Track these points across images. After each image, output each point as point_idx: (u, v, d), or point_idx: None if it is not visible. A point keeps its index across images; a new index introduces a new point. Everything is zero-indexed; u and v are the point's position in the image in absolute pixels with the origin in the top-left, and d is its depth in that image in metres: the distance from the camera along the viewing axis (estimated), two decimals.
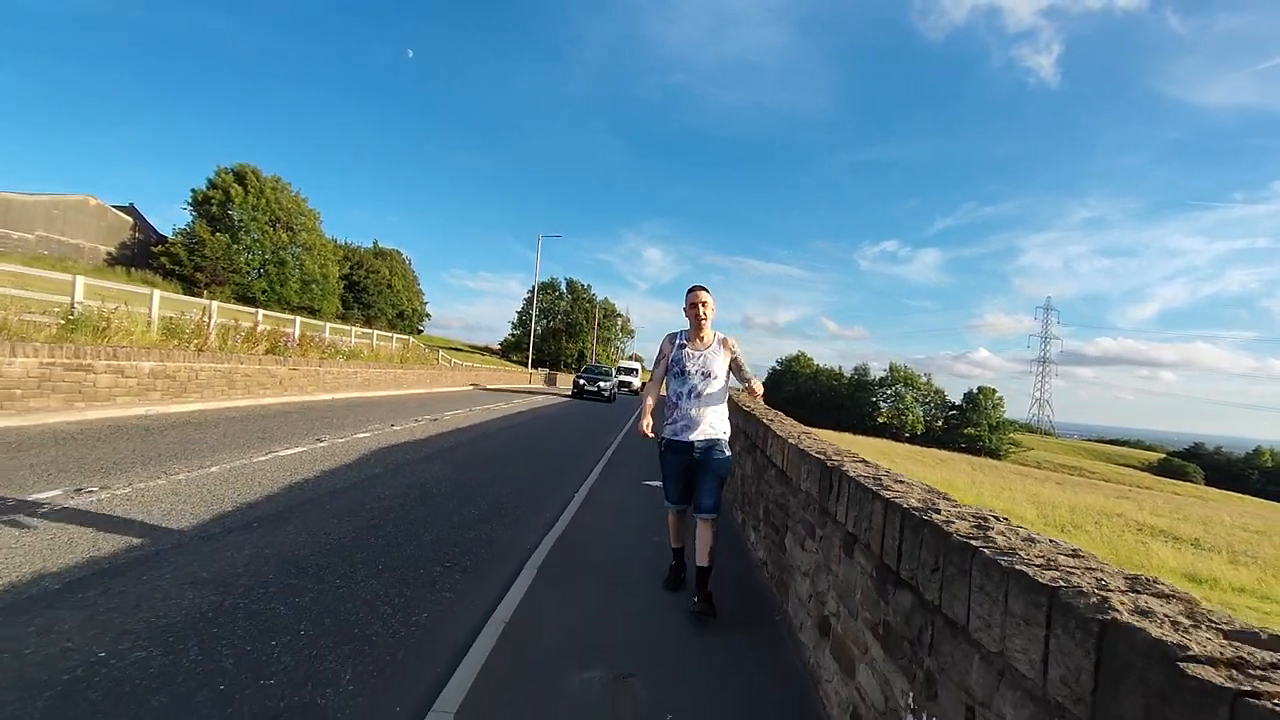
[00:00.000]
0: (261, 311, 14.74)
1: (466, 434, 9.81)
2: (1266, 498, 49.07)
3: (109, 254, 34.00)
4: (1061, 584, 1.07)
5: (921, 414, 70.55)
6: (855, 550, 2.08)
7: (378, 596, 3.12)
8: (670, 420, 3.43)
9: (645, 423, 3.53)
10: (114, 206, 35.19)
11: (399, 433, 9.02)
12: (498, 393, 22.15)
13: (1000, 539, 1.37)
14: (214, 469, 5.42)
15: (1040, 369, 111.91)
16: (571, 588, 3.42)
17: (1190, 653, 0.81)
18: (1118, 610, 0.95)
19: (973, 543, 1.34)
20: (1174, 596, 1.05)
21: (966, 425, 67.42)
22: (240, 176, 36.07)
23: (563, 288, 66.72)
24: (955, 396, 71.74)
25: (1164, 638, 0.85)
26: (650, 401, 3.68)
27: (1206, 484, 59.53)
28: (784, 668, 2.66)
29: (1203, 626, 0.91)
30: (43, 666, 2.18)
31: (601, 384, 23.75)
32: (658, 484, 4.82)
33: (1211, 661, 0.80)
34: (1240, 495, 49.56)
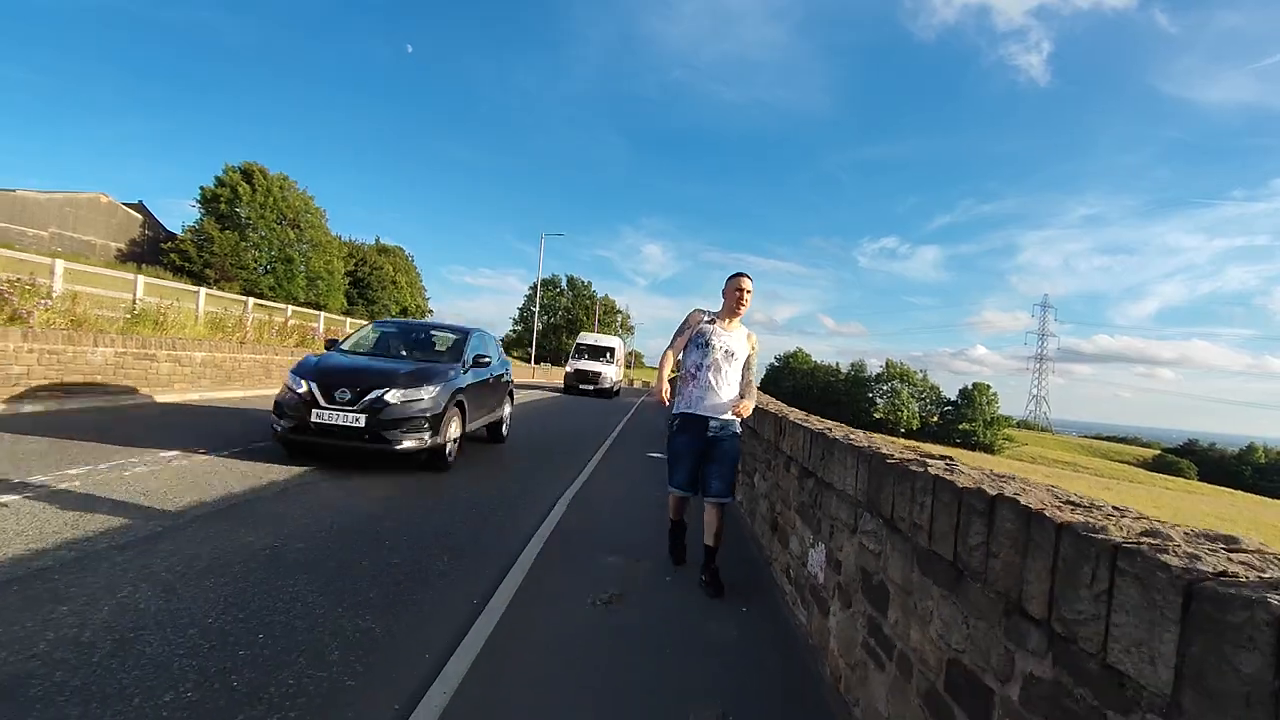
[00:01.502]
0: (291, 307, 15.77)
1: None
2: (1259, 493, 49.25)
3: (119, 250, 34.89)
4: (866, 446, 2.13)
5: (917, 409, 71.68)
6: (791, 466, 3.14)
7: (453, 523, 4.18)
8: (685, 394, 3.24)
9: (664, 388, 3.25)
10: (124, 204, 36.16)
11: None
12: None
13: (853, 437, 2.43)
14: None
15: (1038, 366, 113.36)
16: (594, 512, 4.48)
17: (894, 459, 1.86)
18: (887, 453, 2.00)
19: (838, 438, 2.40)
20: (915, 452, 2.09)
21: (962, 421, 68.56)
22: (248, 175, 36.97)
23: (564, 284, 67.91)
24: (952, 393, 72.84)
25: (892, 454, 1.90)
26: (667, 370, 3.32)
27: (1200, 479, 59.90)
28: (750, 559, 3.74)
29: (916, 454, 1.96)
30: (246, 547, 3.24)
31: (410, 394, 5.27)
32: (661, 455, 5.54)
33: (908, 460, 1.84)
34: (1231, 490, 49.94)
